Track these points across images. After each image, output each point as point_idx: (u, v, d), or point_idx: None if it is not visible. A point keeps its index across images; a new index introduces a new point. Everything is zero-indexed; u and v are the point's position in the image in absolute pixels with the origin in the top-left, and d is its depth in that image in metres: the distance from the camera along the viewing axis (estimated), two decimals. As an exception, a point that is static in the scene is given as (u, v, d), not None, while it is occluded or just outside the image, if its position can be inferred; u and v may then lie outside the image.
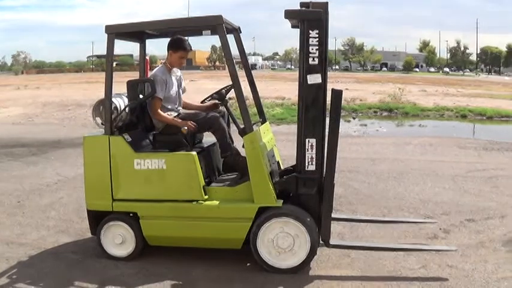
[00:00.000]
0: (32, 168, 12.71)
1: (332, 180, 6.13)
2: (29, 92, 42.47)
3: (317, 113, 6.08)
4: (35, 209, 9.06)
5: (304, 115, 6.11)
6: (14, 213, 8.85)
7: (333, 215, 6.45)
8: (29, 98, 34.47)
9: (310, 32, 5.91)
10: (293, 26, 6.50)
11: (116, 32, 6.61)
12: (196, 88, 32.53)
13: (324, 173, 6.23)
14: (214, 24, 6.24)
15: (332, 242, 6.38)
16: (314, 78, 5.98)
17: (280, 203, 6.15)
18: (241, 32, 7.14)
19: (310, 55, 5.94)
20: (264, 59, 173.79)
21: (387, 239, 7.37)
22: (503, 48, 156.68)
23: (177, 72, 7.18)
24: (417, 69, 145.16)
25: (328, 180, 6.14)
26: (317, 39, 5.91)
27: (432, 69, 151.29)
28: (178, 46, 6.86)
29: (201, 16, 6.43)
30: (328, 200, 6.18)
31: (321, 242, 6.33)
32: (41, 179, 11.34)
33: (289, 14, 6.02)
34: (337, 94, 5.98)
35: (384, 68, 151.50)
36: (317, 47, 5.92)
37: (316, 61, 5.95)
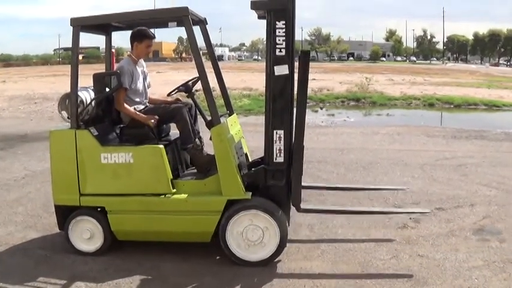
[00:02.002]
0: (-2, 162, 12.55)
1: (301, 143, 6.09)
2: (-5, 86, 42.07)
3: (285, 104, 6.06)
4: (2, 204, 8.96)
5: (271, 106, 6.09)
6: (-20, 209, 8.72)
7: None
8: (-5, 92, 34.14)
9: (277, 23, 5.87)
10: (259, 17, 6.48)
11: (81, 25, 6.52)
12: (163, 80, 32.52)
13: (293, 137, 6.19)
14: (180, 16, 6.17)
15: (303, 206, 6.39)
16: (281, 69, 5.95)
17: (248, 195, 6.12)
18: (207, 24, 7.12)
19: (277, 46, 5.91)
20: (230, 50, 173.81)
21: (357, 229, 7.39)
22: (470, 37, 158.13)
23: (142, 63, 7.11)
24: (384, 59, 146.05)
25: (297, 142, 6.10)
26: (284, 30, 5.87)
27: (399, 59, 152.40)
28: (142, 36, 6.82)
29: (167, 8, 6.37)
30: (298, 164, 6.13)
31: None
32: (8, 174, 11.21)
33: (255, 5, 5.99)
34: (304, 54, 5.94)
35: (351, 58, 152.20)
36: (284, 38, 5.89)
37: (283, 52, 5.92)
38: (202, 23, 7.04)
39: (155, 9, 6.95)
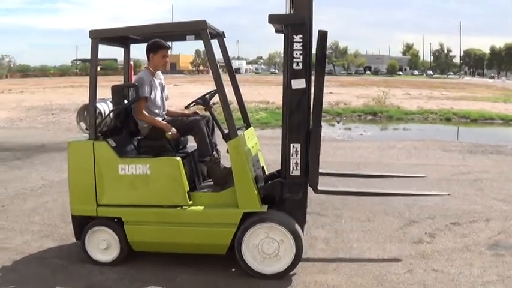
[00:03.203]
0: (16, 172, 12.64)
1: (319, 123, 6.13)
2: (13, 96, 42.36)
3: (302, 118, 6.09)
4: (19, 213, 9.01)
5: (288, 120, 6.12)
6: (-2, 217, 8.79)
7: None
8: (13, 102, 34.41)
9: (294, 36, 5.92)
10: (277, 31, 6.53)
11: (100, 37, 6.60)
12: (180, 92, 32.58)
13: (311, 118, 6.22)
14: (198, 29, 6.21)
15: (320, 188, 6.36)
16: (298, 83, 5.99)
17: (265, 208, 6.13)
18: (225, 37, 7.15)
19: (294, 60, 5.95)
20: (248, 63, 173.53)
21: (372, 243, 7.39)
22: (487, 51, 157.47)
23: (160, 76, 7.16)
24: (401, 73, 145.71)
25: (314, 122, 6.14)
26: (301, 44, 5.92)
27: (416, 72, 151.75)
28: (157, 46, 6.87)
29: (185, 21, 6.40)
30: (315, 144, 6.14)
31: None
32: (26, 184, 11.28)
33: (273, 19, 6.04)
34: (322, 34, 5.98)
35: (368, 72, 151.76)
36: (301, 52, 5.93)
37: (300, 66, 5.96)
38: (220, 36, 7.08)
39: (174, 23, 7.00)
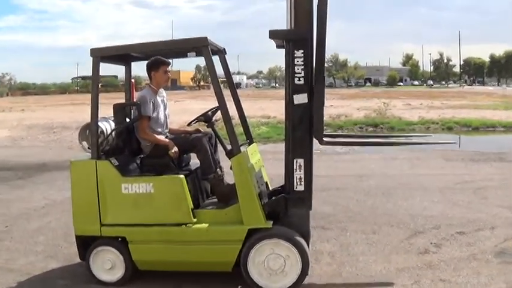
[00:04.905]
0: (18, 192, 12.66)
1: (322, 73, 6.08)
2: (14, 115, 42.37)
3: (304, 132, 6.10)
4: (23, 233, 9.01)
5: (291, 135, 6.14)
6: (1, 238, 8.81)
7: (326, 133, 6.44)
8: (14, 121, 34.42)
9: (296, 52, 5.96)
10: (278, 46, 6.55)
11: (101, 55, 6.62)
12: (182, 108, 32.56)
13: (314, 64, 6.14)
14: (200, 46, 6.26)
15: (325, 139, 6.31)
16: (300, 98, 6.00)
17: (270, 224, 6.13)
18: (226, 53, 7.18)
19: (296, 75, 5.98)
20: (248, 78, 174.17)
21: (378, 256, 7.37)
22: (486, 59, 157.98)
23: (163, 93, 7.17)
24: (401, 83, 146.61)
25: (318, 80, 6.07)
26: (302, 59, 5.95)
27: (416, 83, 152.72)
28: (158, 63, 6.88)
29: (186, 38, 6.42)
30: (319, 96, 6.07)
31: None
32: (28, 203, 11.29)
33: (274, 35, 6.07)
34: None
35: (368, 83, 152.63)
36: (302, 67, 5.96)
37: (302, 81, 5.99)
38: (221, 52, 7.11)
39: (175, 40, 7.02)
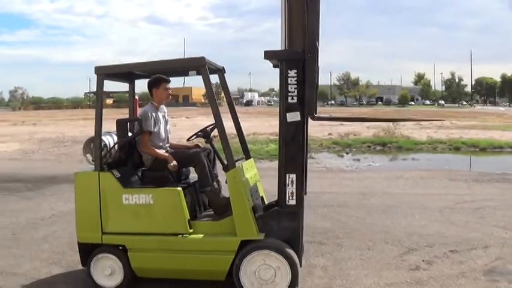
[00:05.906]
0: (27, 202, 12.92)
1: (316, 48, 6.21)
2: (26, 128, 42.74)
3: (297, 149, 6.31)
4: (30, 241, 9.28)
5: (284, 151, 6.36)
6: (8, 245, 9.07)
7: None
8: (26, 134, 34.76)
9: (289, 71, 6.17)
10: (274, 66, 6.70)
11: (104, 73, 6.91)
12: (191, 124, 32.71)
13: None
14: (198, 66, 6.53)
15: (317, 115, 6.42)
16: (293, 116, 6.22)
17: (261, 236, 6.34)
18: (225, 72, 7.45)
19: (289, 94, 6.19)
20: (260, 95, 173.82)
21: (369, 270, 7.53)
22: (498, 79, 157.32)
23: (164, 109, 7.46)
24: (412, 103, 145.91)
25: (309, 50, 6.17)
26: (295, 78, 6.17)
27: (427, 102, 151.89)
28: (158, 81, 7.19)
29: (185, 58, 6.70)
30: (311, 73, 6.19)
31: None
32: (36, 213, 11.54)
33: (268, 55, 6.30)
34: None
35: (380, 102, 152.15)
36: (295, 86, 6.17)
37: (295, 99, 6.19)
38: (220, 71, 7.39)
39: (174, 59, 7.22)
